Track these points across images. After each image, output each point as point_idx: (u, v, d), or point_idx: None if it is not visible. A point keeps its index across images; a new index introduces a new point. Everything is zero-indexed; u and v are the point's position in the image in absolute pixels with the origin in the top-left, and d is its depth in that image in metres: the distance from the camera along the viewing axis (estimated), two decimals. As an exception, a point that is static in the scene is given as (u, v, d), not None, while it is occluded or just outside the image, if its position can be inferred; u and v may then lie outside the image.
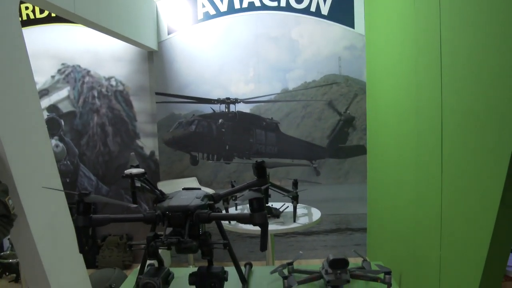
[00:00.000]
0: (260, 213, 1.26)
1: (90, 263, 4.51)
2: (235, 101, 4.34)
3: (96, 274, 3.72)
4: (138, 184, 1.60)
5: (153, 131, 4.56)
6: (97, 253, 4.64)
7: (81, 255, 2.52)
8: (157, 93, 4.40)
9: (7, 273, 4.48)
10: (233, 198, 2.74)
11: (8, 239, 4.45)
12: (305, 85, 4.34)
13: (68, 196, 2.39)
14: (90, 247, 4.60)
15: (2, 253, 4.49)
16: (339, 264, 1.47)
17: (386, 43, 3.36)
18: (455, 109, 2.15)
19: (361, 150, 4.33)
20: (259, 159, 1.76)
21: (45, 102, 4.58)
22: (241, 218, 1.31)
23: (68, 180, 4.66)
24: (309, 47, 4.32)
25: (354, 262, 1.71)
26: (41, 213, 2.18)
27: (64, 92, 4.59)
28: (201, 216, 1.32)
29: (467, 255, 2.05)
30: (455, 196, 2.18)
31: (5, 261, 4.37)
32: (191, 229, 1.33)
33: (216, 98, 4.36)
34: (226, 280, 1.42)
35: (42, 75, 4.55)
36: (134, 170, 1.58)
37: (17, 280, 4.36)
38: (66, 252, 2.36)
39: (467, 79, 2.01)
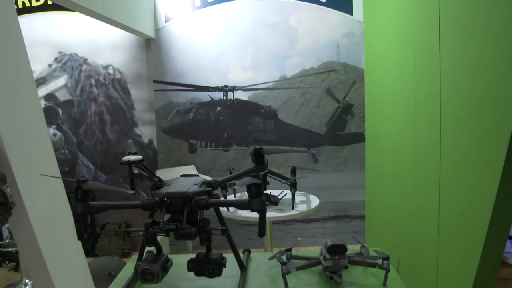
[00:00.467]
0: (258, 199, 1.26)
1: (89, 252, 4.53)
2: (233, 88, 4.33)
3: (95, 262, 3.73)
4: (136, 171, 1.60)
5: (151, 119, 4.56)
6: (96, 241, 4.66)
7: (80, 243, 2.53)
8: (155, 81, 4.39)
9: (6, 262, 4.50)
10: (232, 185, 2.75)
11: (7, 228, 4.46)
12: (303, 73, 4.32)
13: (67, 185, 2.39)
14: (89, 235, 4.62)
15: (2, 242, 4.50)
16: (337, 250, 1.48)
17: (385, 30, 3.34)
18: (453, 95, 2.14)
19: (359, 137, 4.33)
20: (257, 146, 1.76)
21: (43, 91, 4.57)
22: (239, 204, 1.31)
23: (66, 169, 4.66)
24: (307, 34, 4.30)
25: (353, 248, 1.72)
26: (39, 201, 2.18)
27: (61, 81, 4.58)
28: (199, 202, 1.32)
29: (465, 241, 2.06)
30: (453, 182, 2.18)
31: (5, 249, 4.38)
32: (189, 215, 1.34)
33: (214, 86, 4.35)
34: (225, 266, 1.42)
35: (39, 64, 4.53)
36: (132, 157, 1.57)
37: (16, 268, 4.38)
38: (65, 240, 2.36)
39: (466, 66, 2.01)
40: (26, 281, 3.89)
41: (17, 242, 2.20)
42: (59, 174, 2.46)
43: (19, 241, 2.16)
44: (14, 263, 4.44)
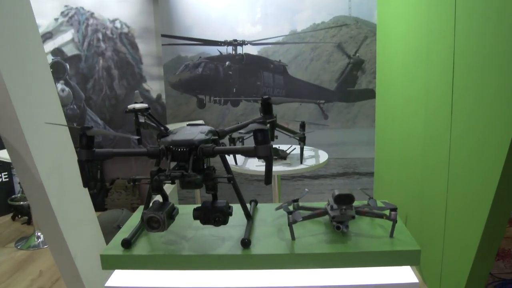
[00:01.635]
0: (265, 145, 1.24)
1: (99, 206, 4.59)
2: (242, 43, 4.26)
3: (105, 215, 3.78)
4: (141, 120, 1.59)
5: (159, 74, 4.52)
6: (105, 196, 4.71)
7: (88, 196, 2.55)
8: (163, 35, 4.32)
9: (19, 216, 4.58)
10: (240, 139, 2.74)
11: (19, 183, 4.52)
12: (314, 27, 4.23)
13: (75, 141, 2.40)
14: (99, 190, 4.67)
15: (14, 196, 4.57)
16: (344, 200, 1.46)
17: (398, -19, 3.24)
18: (468, 48, 2.09)
19: (370, 94, 4.27)
20: (265, 96, 1.74)
21: (49, 46, 4.53)
22: (245, 151, 1.29)
23: (75, 125, 4.67)
24: (319, -13, 4.19)
25: (360, 201, 1.70)
26: (47, 153, 2.19)
27: (68, 35, 4.53)
28: (205, 150, 1.31)
29: (474, 197, 2.04)
30: (464, 140, 2.15)
31: (17, 203, 4.45)
32: (195, 163, 1.33)
33: (223, 40, 4.28)
34: (231, 215, 1.42)
35: (45, 18, 4.47)
36: (138, 105, 1.56)
37: (29, 222, 4.46)
38: (73, 193, 2.38)
39: (479, 16, 1.94)
40: (39, 234, 3.97)
41: (26, 195, 2.23)
42: (67, 129, 2.46)
43: (28, 193, 2.19)
44: (26, 217, 4.52)
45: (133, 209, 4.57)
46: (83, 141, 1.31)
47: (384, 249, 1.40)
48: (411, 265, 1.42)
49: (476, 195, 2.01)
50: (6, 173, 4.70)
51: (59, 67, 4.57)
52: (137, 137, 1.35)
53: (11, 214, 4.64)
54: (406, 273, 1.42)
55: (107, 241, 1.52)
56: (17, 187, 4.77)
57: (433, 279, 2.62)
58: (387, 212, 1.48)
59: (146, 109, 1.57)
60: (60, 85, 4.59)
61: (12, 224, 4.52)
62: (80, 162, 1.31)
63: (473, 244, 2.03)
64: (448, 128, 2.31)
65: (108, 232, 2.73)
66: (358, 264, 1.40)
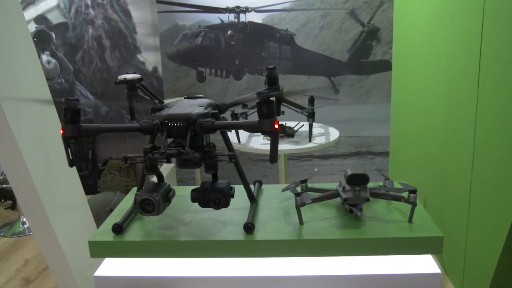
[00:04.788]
0: (270, 119, 1.21)
1: (91, 189, 4.59)
2: (246, 10, 4.21)
3: (96, 198, 3.77)
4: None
5: (155, 44, 4.47)
6: (98, 178, 4.70)
7: (77, 177, 2.53)
8: (158, 1, 4.27)
9: (2, 200, 4.57)
10: (243, 114, 2.71)
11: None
12: (324, -9, 4.18)
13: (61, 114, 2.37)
14: (91, 171, 4.66)
15: (-4, 178, 4.57)
16: (358, 180, 1.43)
17: None
18: (497, 16, 2.03)
19: (385, 65, 4.22)
20: (271, 66, 1.70)
21: (32, 12, 4.48)
22: (248, 126, 1.26)
23: (63, 100, 4.63)
24: None
25: (375, 183, 1.68)
26: (29, 130, 2.16)
27: (53, 1, 4.47)
28: (204, 125, 1.28)
29: (503, 178, 2.01)
30: (492, 115, 2.10)
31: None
32: (193, 140, 1.30)
33: (225, 7, 4.22)
34: (232, 196, 1.39)
35: (28, -19, 4.42)
36: (129, 75, 1.52)
37: (13, 207, 4.47)
38: (60, 173, 2.36)
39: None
40: (24, 219, 3.97)
41: (7, 175, 2.20)
42: (52, 102, 2.43)
43: (10, 173, 2.16)
44: (10, 201, 4.52)
45: (128, 192, 4.57)
46: (68, 115, 1.28)
47: (402, 235, 1.37)
48: (432, 253, 1.40)
49: (506, 176, 1.97)
50: (-12, 152, 4.69)
51: (44, 36, 4.52)
52: (129, 101, 1.33)
53: (-7, 199, 4.65)
54: (426, 263, 1.40)
55: (99, 226, 1.50)
56: (0, 168, 4.77)
57: (455, 270, 2.60)
58: (405, 194, 1.45)
59: (139, 79, 1.54)
60: (45, 57, 4.55)
61: (-6, 209, 4.53)
62: (64, 138, 1.28)
63: (501, 231, 2.00)
64: (474, 102, 2.27)
65: (100, 217, 2.72)
66: (373, 252, 1.38)
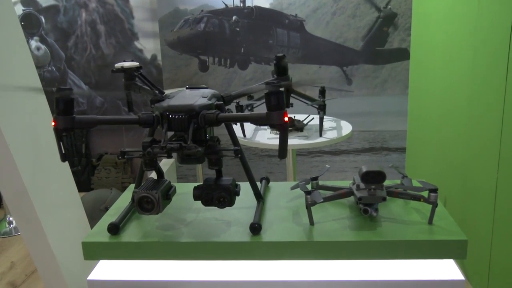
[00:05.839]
0: (279, 111, 1.21)
1: (84, 186, 4.60)
2: (252, -7, 4.22)
3: (90, 196, 3.79)
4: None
5: (154, 30, 4.48)
6: (92, 174, 4.71)
7: (70, 173, 2.54)
8: (157, -16, 4.29)
9: (-13, 198, 4.59)
10: (249, 106, 2.72)
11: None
12: (337, -26, 4.18)
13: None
14: (84, 167, 4.67)
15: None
16: (374, 178, 1.42)
17: None
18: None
19: (403, 54, 4.21)
20: (280, 54, 1.70)
21: (20, -6, 4.50)
22: (255, 118, 1.26)
23: (54, 90, 4.64)
24: None
25: (391, 180, 1.67)
26: (17, 122, 2.16)
27: (42, -19, 4.49)
28: (207, 117, 1.28)
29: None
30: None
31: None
32: (196, 133, 1.30)
33: (229, -10, 4.24)
34: (238, 194, 1.39)
35: (17, -38, 4.44)
36: (127, 63, 1.52)
37: (-1, 205, 4.49)
38: (51, 168, 2.37)
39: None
40: (10, 218, 3.98)
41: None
42: (42, 92, 2.43)
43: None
44: (-5, 199, 4.54)
45: (124, 189, 4.58)
46: (60, 105, 1.28)
47: (421, 238, 1.36)
48: (455, 258, 1.39)
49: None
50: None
51: (32, 20, 4.53)
52: (127, 91, 1.33)
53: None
54: (448, 268, 1.39)
55: (93, 226, 1.51)
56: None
57: (479, 277, 2.60)
58: (425, 193, 1.45)
59: (138, 68, 1.54)
60: (34, 42, 4.55)
61: (-22, 207, 4.55)
62: (56, 131, 1.28)
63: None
64: (502, 94, 2.25)
65: (94, 216, 2.73)
66: (389, 256, 1.37)
